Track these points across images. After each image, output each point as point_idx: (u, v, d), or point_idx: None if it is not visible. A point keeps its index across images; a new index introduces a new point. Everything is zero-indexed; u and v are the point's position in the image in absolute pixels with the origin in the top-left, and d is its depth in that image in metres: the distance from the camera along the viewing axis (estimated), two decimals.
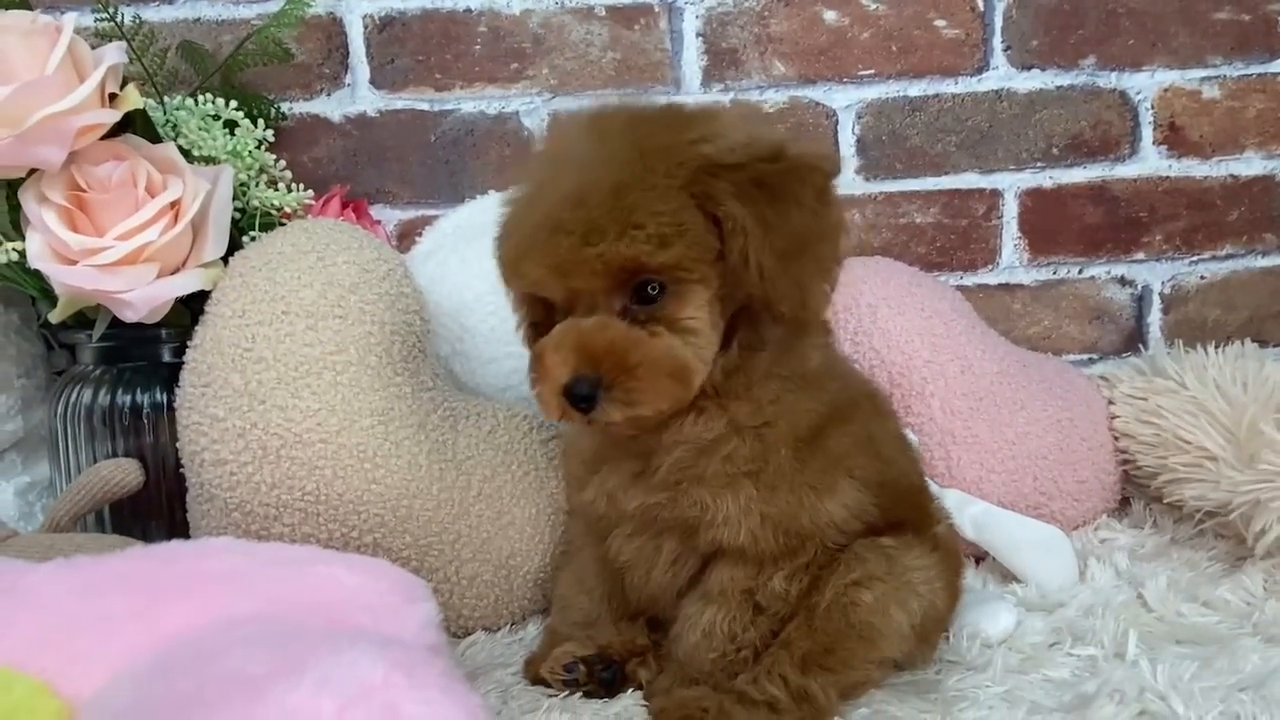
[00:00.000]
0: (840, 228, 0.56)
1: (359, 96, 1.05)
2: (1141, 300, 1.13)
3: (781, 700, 0.56)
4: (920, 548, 0.60)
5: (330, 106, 1.05)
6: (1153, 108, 1.10)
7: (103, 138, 0.75)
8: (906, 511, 0.63)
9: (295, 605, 0.53)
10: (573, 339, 0.54)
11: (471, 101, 1.06)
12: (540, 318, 0.59)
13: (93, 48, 0.76)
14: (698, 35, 1.06)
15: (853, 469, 0.59)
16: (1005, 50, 1.09)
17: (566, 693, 0.62)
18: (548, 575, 0.76)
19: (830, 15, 1.07)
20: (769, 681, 0.56)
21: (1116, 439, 0.94)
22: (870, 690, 0.60)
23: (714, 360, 0.56)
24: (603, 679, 0.62)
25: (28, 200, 0.73)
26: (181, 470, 0.75)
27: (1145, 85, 1.10)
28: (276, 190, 0.87)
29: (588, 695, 0.62)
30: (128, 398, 0.82)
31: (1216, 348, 0.96)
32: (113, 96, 0.76)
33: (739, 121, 0.56)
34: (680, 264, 0.52)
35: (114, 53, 0.75)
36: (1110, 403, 0.96)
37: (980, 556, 0.84)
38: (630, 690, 0.62)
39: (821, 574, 0.58)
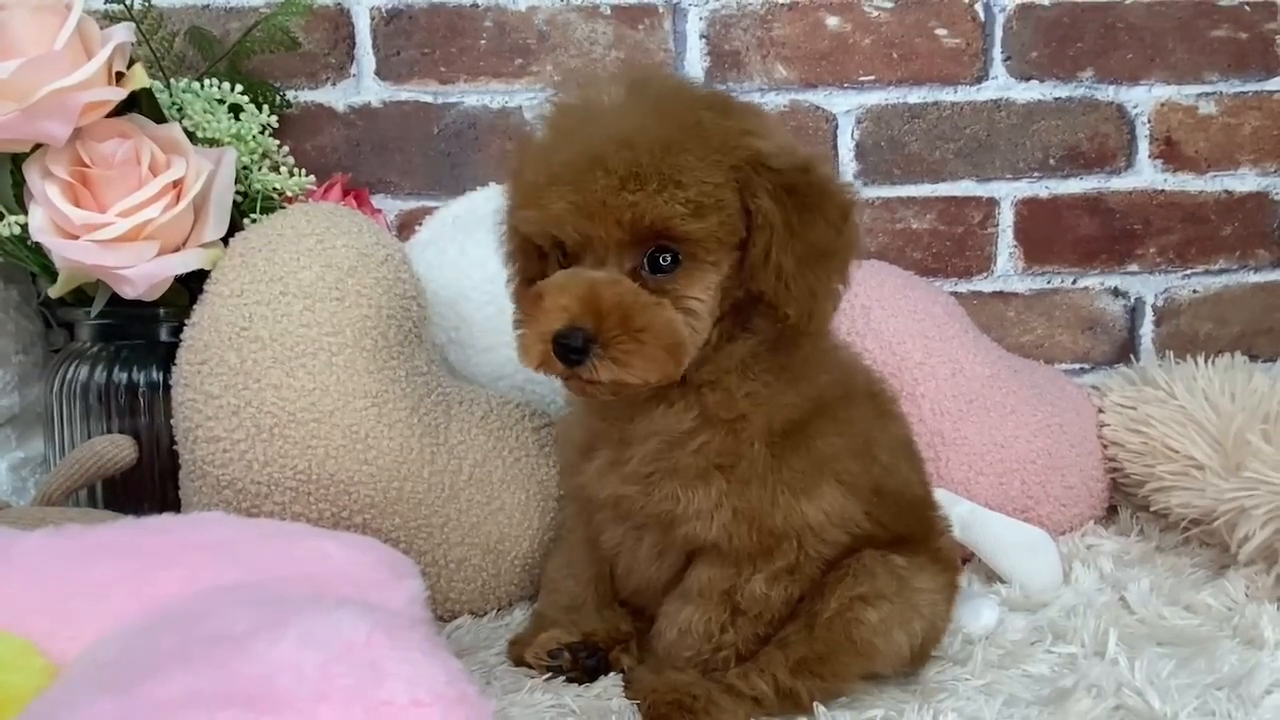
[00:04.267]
0: (854, 250, 0.56)
1: (364, 87, 1.06)
2: (1134, 312, 1.14)
3: (768, 698, 0.56)
4: (932, 569, 0.60)
5: (335, 96, 1.06)
6: (1149, 121, 1.11)
7: (108, 116, 0.75)
8: (910, 525, 0.62)
9: (282, 576, 0.54)
10: (582, 286, 0.51)
11: (475, 95, 1.07)
12: (534, 270, 0.58)
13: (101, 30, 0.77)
14: (701, 37, 1.07)
15: (840, 473, 0.58)
16: (1005, 61, 1.10)
17: (549, 676, 0.62)
18: (536, 561, 0.77)
19: (832, 21, 1.08)
20: (759, 678, 0.56)
21: (1105, 447, 0.95)
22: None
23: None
24: (587, 666, 0.63)
25: (32, 174, 0.74)
26: (175, 449, 0.76)
27: (1142, 99, 1.11)
28: (279, 174, 0.88)
29: (571, 682, 0.62)
30: (124, 375, 0.83)
31: (1206, 360, 0.97)
32: (119, 75, 0.77)
33: (777, 128, 0.57)
34: (706, 239, 0.52)
35: (122, 32, 0.76)
36: (1100, 411, 0.97)
37: (966, 557, 0.85)
38: (613, 674, 0.62)
39: (827, 582, 0.58)
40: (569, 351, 0.51)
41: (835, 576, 0.58)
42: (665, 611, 0.60)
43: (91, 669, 0.42)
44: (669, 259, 0.53)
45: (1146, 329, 1.14)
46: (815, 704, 0.56)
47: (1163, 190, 1.12)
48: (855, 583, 0.57)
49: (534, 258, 0.58)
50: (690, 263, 0.53)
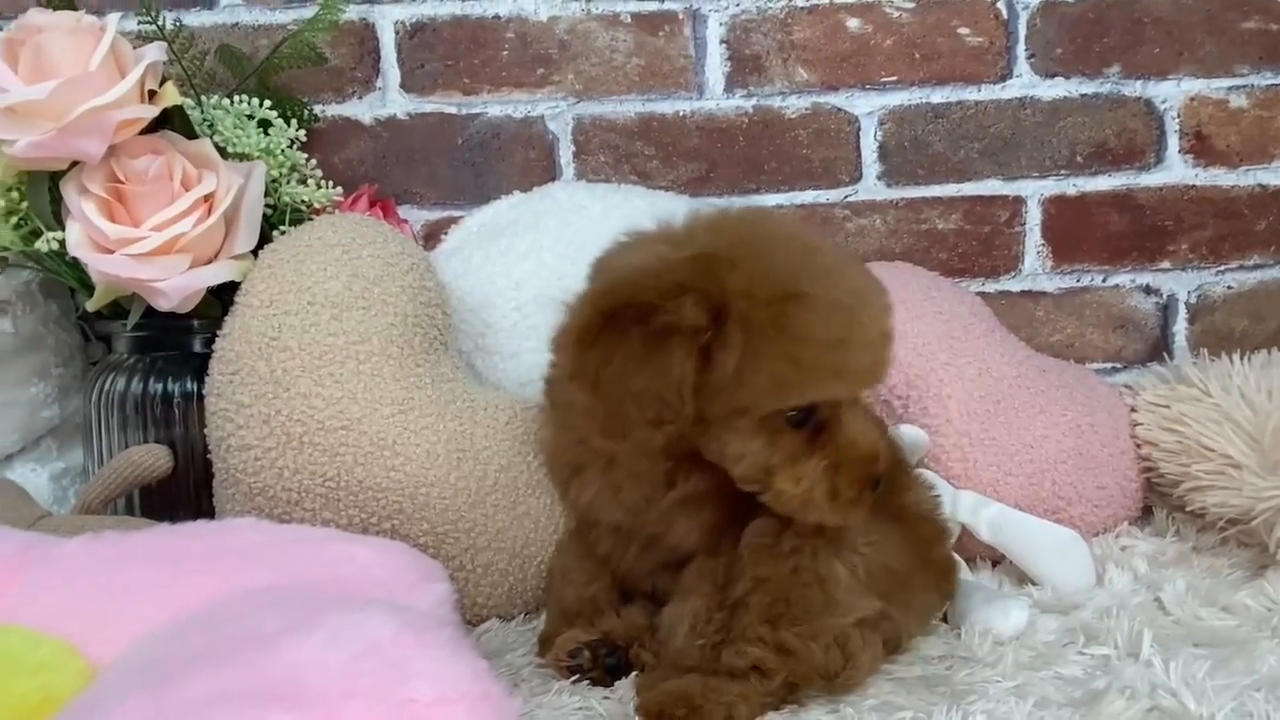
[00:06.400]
0: None
1: (389, 100, 1.07)
2: (1167, 309, 1.12)
3: (767, 659, 0.56)
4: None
5: (361, 109, 1.07)
6: (1179, 116, 1.10)
7: (141, 133, 0.77)
8: None
9: (312, 580, 0.55)
10: (881, 435, 0.59)
11: (498, 105, 1.08)
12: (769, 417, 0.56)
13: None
14: (721, 42, 1.08)
15: None
16: (1029, 58, 1.09)
17: (575, 678, 0.62)
18: None
19: (853, 22, 1.08)
20: (747, 644, 0.56)
21: (1139, 446, 0.93)
22: (863, 669, 0.59)
23: None
24: (607, 665, 0.63)
25: (68, 191, 0.76)
26: (208, 457, 0.77)
27: (1171, 94, 1.09)
28: (307, 187, 0.89)
29: (593, 683, 0.63)
30: (159, 386, 0.85)
31: (1242, 357, 0.95)
32: (152, 94, 0.79)
33: None
34: None
35: (154, 51, 0.78)
36: (1133, 410, 0.95)
37: (997, 559, 0.84)
38: (634, 675, 0.63)
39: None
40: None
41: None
42: (667, 621, 0.61)
43: (127, 670, 0.43)
44: None
45: (1180, 326, 1.12)
46: (813, 653, 0.57)
47: (1194, 186, 1.10)
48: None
49: (771, 415, 0.56)
50: None
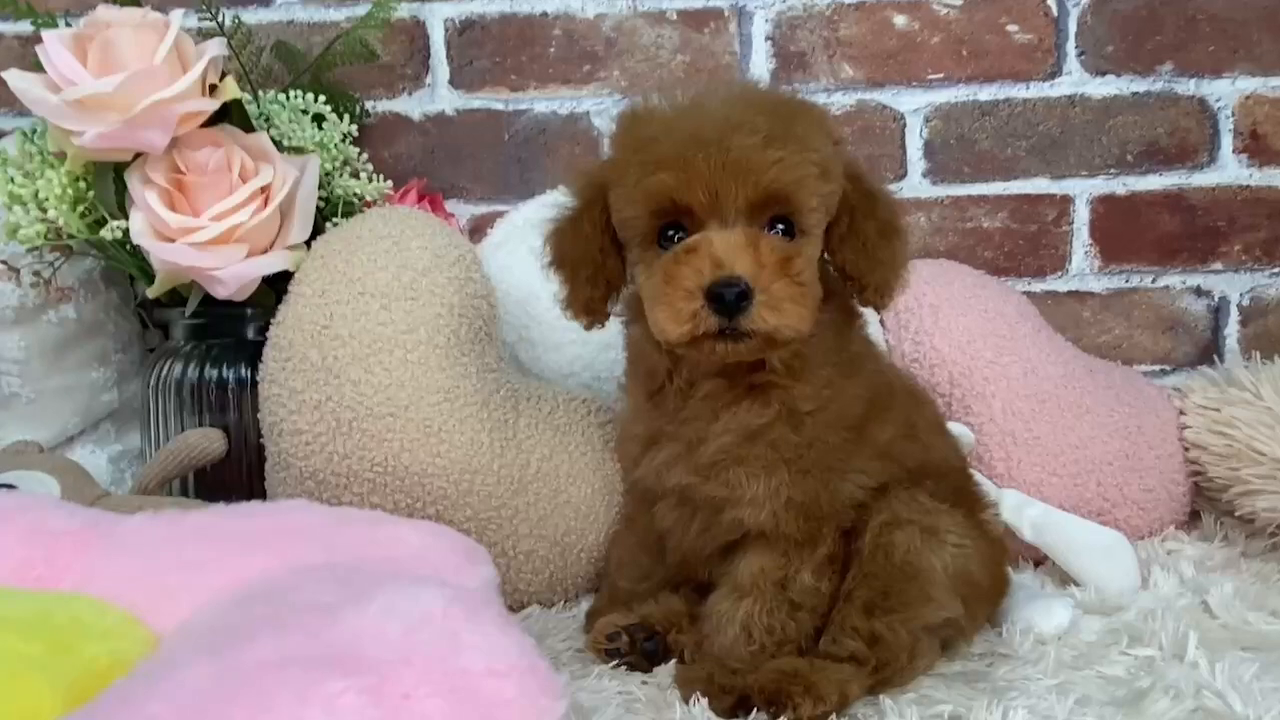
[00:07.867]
0: (908, 235, 0.62)
1: (438, 96, 1.09)
2: (1218, 311, 1.10)
3: (860, 651, 0.57)
4: (954, 515, 0.61)
5: (411, 105, 1.09)
6: (1233, 115, 1.08)
7: (202, 126, 0.80)
8: (948, 495, 0.63)
9: (363, 559, 0.56)
10: (739, 237, 0.52)
11: (544, 102, 1.09)
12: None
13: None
14: (766, 39, 1.08)
15: (894, 456, 0.62)
16: (1079, 56, 1.07)
17: (613, 663, 0.63)
18: (601, 553, 0.78)
19: (900, 20, 1.07)
20: (845, 636, 0.58)
21: (1187, 449, 0.92)
22: (918, 670, 0.60)
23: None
24: (645, 649, 0.64)
25: (133, 181, 0.79)
26: (261, 442, 0.80)
27: (1225, 92, 1.07)
28: (358, 180, 0.92)
29: (631, 668, 0.64)
30: (214, 372, 0.87)
31: None
32: (213, 88, 0.81)
33: None
34: (817, 209, 0.55)
35: (214, 47, 0.80)
36: (1181, 413, 0.94)
37: (1040, 559, 0.83)
38: (673, 661, 0.63)
39: (859, 525, 0.61)
40: (730, 303, 0.52)
41: (863, 516, 0.61)
42: (718, 612, 0.61)
43: (190, 636, 0.45)
44: (782, 231, 0.56)
45: (1232, 329, 1.10)
46: (900, 639, 0.57)
47: (1248, 185, 1.08)
48: (880, 513, 0.60)
49: (648, 223, 0.56)
50: (801, 236, 0.56)
